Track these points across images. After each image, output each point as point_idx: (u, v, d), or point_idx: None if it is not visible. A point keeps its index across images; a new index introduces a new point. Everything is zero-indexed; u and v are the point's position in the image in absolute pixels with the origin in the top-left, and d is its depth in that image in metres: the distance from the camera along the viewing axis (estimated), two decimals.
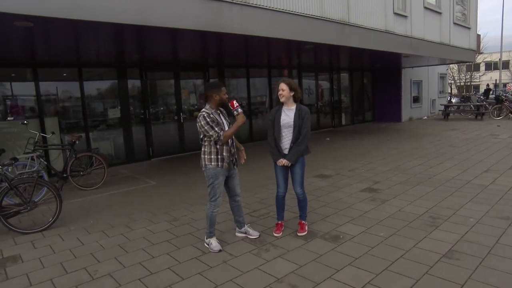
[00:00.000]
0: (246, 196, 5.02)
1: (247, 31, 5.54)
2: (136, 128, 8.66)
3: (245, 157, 3.58)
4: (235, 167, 3.51)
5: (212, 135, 3.25)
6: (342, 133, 12.11)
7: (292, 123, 3.51)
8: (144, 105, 8.75)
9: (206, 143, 3.35)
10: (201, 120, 3.26)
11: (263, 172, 6.64)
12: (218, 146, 3.31)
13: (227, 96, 3.40)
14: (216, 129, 3.27)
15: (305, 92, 12.68)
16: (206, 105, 3.39)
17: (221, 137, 3.29)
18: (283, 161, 3.56)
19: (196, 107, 9.85)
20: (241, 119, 3.31)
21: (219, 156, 3.36)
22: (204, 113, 3.28)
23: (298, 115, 3.50)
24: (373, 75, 15.19)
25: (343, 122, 14.18)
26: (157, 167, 7.97)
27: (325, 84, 13.66)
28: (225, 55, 8.83)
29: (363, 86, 15.09)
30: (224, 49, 7.78)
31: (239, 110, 3.32)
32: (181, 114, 9.33)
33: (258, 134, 10.74)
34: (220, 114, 3.42)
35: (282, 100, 3.55)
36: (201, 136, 3.34)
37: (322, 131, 12.67)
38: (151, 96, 8.96)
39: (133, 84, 8.61)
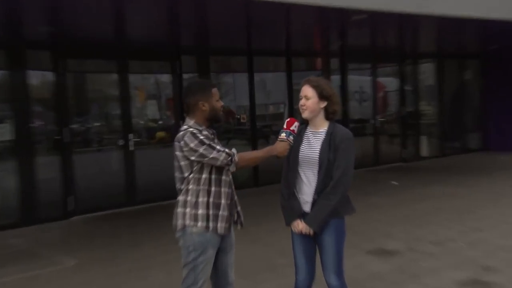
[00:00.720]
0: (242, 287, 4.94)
1: None
2: (43, 160, 8.74)
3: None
4: (238, 227, 3.81)
5: (217, 158, 3.51)
6: (422, 173, 11.99)
7: (316, 157, 3.67)
8: (61, 118, 8.88)
9: (191, 186, 3.59)
10: (189, 141, 3.50)
11: (274, 242, 6.67)
12: (213, 190, 3.58)
13: (222, 104, 3.70)
14: (219, 147, 3.54)
15: (354, 97, 12.66)
16: (188, 120, 3.66)
17: (236, 158, 3.57)
18: (300, 226, 3.72)
19: (160, 122, 10.17)
20: (281, 147, 3.71)
21: (210, 212, 3.58)
22: (191, 129, 3.54)
23: (328, 144, 3.65)
24: (483, 65, 15.12)
25: (425, 151, 14.16)
26: (81, 233, 7.99)
27: (390, 83, 13.63)
28: (210, 33, 9.10)
29: (464, 85, 15.02)
30: (209, 23, 8.08)
31: (290, 137, 3.74)
32: (131, 135, 9.48)
33: (267, 174, 10.68)
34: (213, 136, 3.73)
35: (304, 115, 3.77)
36: (186, 175, 3.60)
37: (382, 169, 12.59)
38: (74, 102, 9.08)
39: (40, 79, 8.80)
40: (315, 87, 3.70)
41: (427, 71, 14.59)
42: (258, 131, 11.25)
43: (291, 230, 3.82)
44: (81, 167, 9.18)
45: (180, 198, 3.62)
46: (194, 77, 10.49)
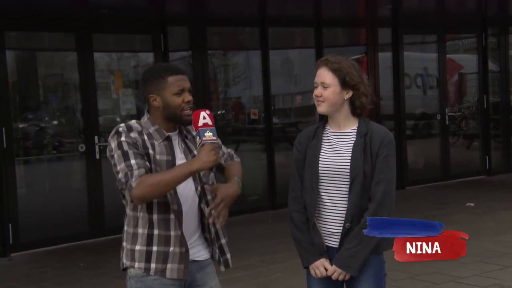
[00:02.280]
0: None
1: None
2: None
3: (221, 221, 3.29)
4: (221, 268, 3.51)
5: (118, 174, 3.16)
6: None
7: (347, 169, 3.37)
8: None
9: (128, 210, 3.29)
10: (110, 141, 3.32)
11: (295, 286, 6.31)
12: (156, 218, 3.16)
13: (188, 99, 3.29)
14: (133, 161, 3.11)
15: (414, 83, 12.20)
16: (144, 116, 3.50)
17: (132, 182, 3.08)
18: (329, 270, 3.36)
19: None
20: (205, 154, 3.14)
21: (154, 248, 3.15)
22: (121, 125, 3.30)
23: (361, 149, 3.38)
24: None
25: None
26: (23, 278, 7.40)
27: (468, 63, 13.17)
28: None
29: None
30: None
31: (207, 134, 3.22)
32: (97, 137, 9.13)
33: (287, 193, 10.38)
34: (180, 140, 3.39)
35: (321, 110, 3.50)
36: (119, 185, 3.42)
37: (455, 185, 12.14)
38: (14, 91, 8.91)
39: None
40: (336, 71, 3.36)
41: None
42: (277, 131, 10.59)
43: (307, 274, 3.47)
44: (25, 184, 8.70)
45: (124, 226, 3.28)
46: (186, 56, 9.67)
